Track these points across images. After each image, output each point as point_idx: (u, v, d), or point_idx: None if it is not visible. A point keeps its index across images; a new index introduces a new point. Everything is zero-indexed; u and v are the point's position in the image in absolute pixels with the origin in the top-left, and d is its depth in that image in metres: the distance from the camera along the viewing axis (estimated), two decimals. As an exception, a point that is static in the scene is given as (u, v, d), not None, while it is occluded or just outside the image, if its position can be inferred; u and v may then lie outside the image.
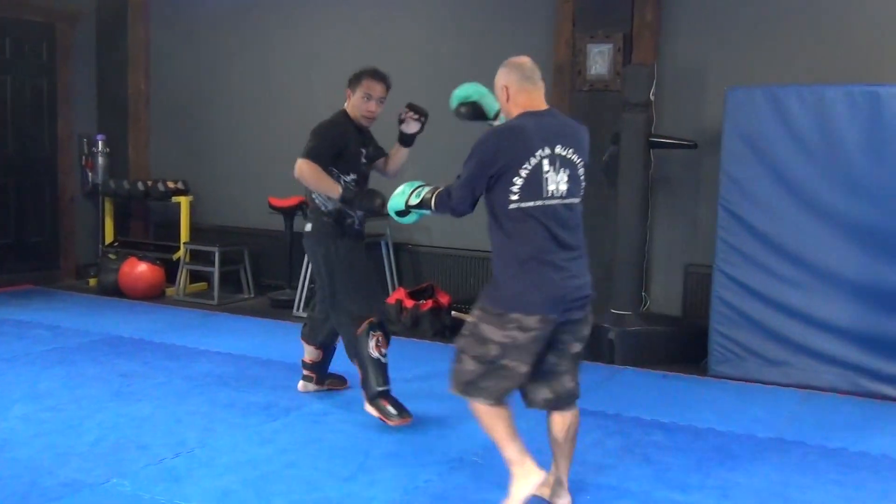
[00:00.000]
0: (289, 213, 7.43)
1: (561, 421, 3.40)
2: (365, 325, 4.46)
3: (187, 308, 7.44)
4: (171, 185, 8.16)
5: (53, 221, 8.57)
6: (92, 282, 8.18)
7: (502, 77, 3.41)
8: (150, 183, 8.17)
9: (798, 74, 5.87)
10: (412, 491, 3.67)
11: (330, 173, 4.41)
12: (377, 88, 4.58)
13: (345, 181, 4.48)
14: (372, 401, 4.43)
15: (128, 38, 8.53)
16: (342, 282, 4.54)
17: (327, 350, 4.99)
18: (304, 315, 7.01)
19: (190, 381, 5.23)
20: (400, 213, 3.74)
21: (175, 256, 7.93)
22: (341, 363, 4.88)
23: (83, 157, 8.52)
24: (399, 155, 4.80)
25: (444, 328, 6.53)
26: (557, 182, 3.26)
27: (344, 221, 4.57)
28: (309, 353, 4.99)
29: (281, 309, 7.34)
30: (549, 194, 3.24)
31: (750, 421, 4.71)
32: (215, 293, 7.61)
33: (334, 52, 7.47)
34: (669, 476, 3.91)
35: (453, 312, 6.66)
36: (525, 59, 3.44)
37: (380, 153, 4.81)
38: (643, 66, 6.07)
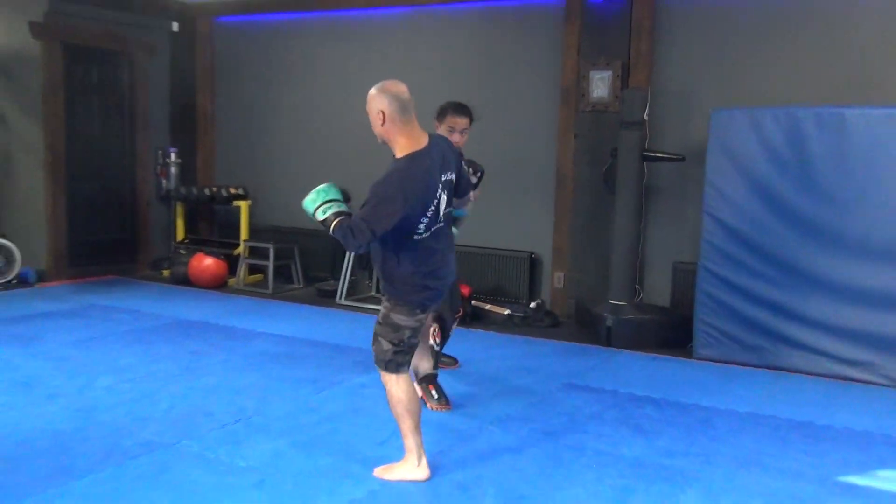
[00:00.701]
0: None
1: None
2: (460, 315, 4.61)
3: (246, 296, 7.49)
4: (232, 190, 8.21)
5: (133, 222, 8.61)
6: (165, 273, 8.22)
7: (379, 102, 3.21)
8: (214, 189, 8.23)
9: (773, 98, 5.83)
10: (437, 454, 3.68)
11: None
12: (459, 122, 4.40)
13: None
14: (420, 381, 4.39)
15: (196, 66, 8.57)
16: None
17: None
18: (346, 303, 7.06)
19: (248, 358, 5.27)
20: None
21: (236, 252, 7.98)
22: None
23: (158, 167, 8.57)
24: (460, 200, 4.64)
25: (466, 315, 6.51)
26: (443, 204, 3.32)
27: None
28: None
29: (326, 297, 7.36)
30: (441, 219, 3.33)
31: (729, 397, 4.69)
32: (270, 283, 7.64)
33: (368, 75, 7.45)
34: (659, 444, 3.91)
35: (473, 301, 6.66)
36: (403, 90, 3.25)
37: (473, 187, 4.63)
38: (638, 90, 6.05)
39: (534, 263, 6.97)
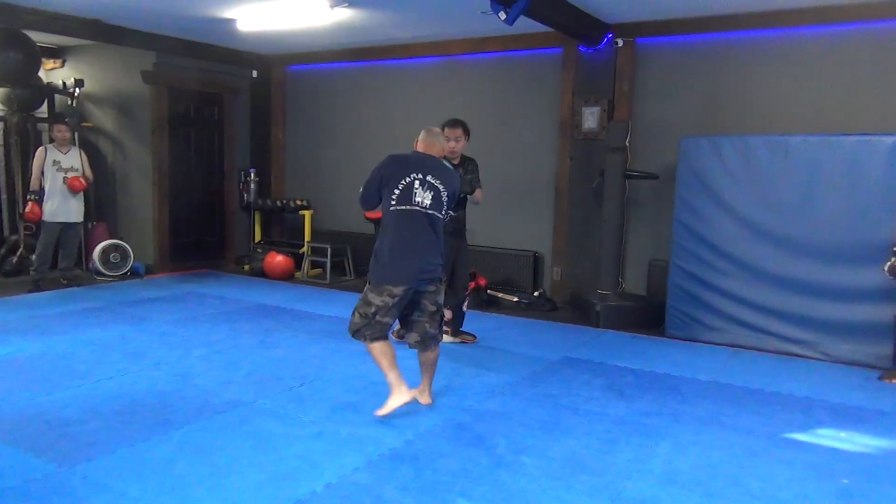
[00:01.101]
0: (377, 222, 7.42)
1: (424, 356, 3.65)
2: (469, 293, 5.02)
3: (308, 286, 7.52)
4: (298, 202, 8.24)
5: (221, 226, 8.66)
6: (246, 268, 8.25)
7: (419, 136, 3.66)
8: (284, 201, 8.26)
9: (731, 127, 5.76)
10: (460, 412, 3.67)
11: None
12: (452, 132, 4.68)
13: None
14: (457, 334, 4.97)
15: (271, 104, 8.61)
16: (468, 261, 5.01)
17: (457, 311, 4.97)
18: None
19: (310, 334, 5.29)
20: None
21: (301, 251, 8.01)
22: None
23: (241, 184, 8.62)
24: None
25: (483, 301, 6.51)
26: (423, 197, 3.44)
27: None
28: (447, 314, 4.90)
29: (372, 287, 7.37)
30: (416, 204, 3.42)
31: (694, 369, 4.63)
32: (327, 276, 7.66)
33: (405, 111, 7.48)
34: (637, 406, 3.87)
35: (489, 290, 6.65)
36: (435, 128, 3.72)
37: (473, 174, 4.78)
38: (621, 122, 5.99)
39: (537, 260, 6.94)
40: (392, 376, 3.49)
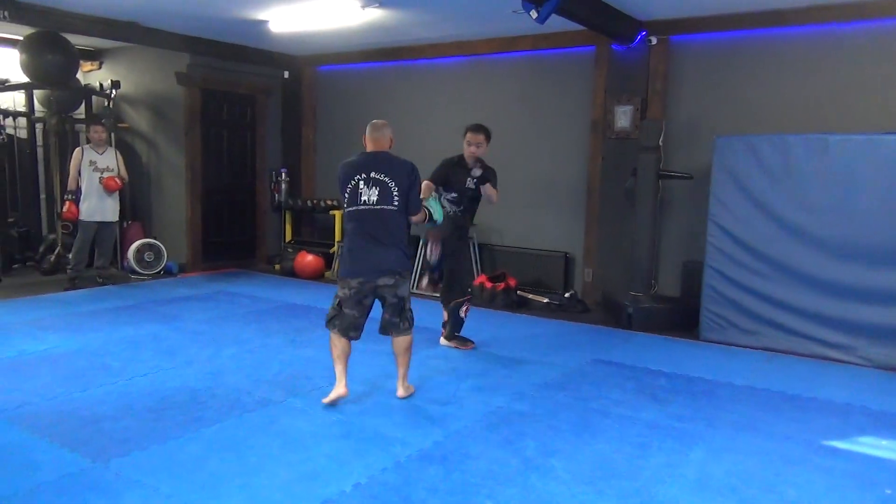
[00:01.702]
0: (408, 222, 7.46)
1: (394, 342, 3.82)
2: (466, 298, 4.81)
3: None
4: (329, 202, 8.29)
5: (252, 226, 8.73)
6: (276, 267, 8.30)
7: (366, 132, 3.78)
8: (315, 201, 8.32)
9: (767, 126, 5.66)
10: (489, 414, 3.66)
11: (437, 191, 4.63)
12: (474, 138, 4.63)
13: (445, 197, 4.68)
14: (451, 337, 4.90)
15: (302, 105, 8.69)
16: (464, 265, 4.88)
17: (453, 315, 4.89)
18: (416, 292, 7.06)
19: (340, 334, 5.31)
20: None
21: (331, 250, 8.06)
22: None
23: (272, 184, 8.71)
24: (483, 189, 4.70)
25: (512, 302, 6.48)
26: (369, 195, 3.60)
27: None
28: (445, 315, 4.93)
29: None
30: (362, 203, 3.61)
31: (729, 373, 4.55)
32: (357, 276, 7.68)
33: (433, 110, 7.48)
34: (670, 410, 3.81)
35: (519, 291, 6.62)
36: (378, 122, 3.81)
37: (484, 181, 4.64)
38: (654, 121, 5.93)
39: (568, 261, 6.90)
40: (337, 370, 3.73)
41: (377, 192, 3.61)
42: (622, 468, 3.07)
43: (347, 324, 3.70)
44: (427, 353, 4.80)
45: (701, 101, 6.09)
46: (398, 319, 3.76)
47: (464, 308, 4.82)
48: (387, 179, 3.63)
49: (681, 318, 5.73)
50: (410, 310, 3.82)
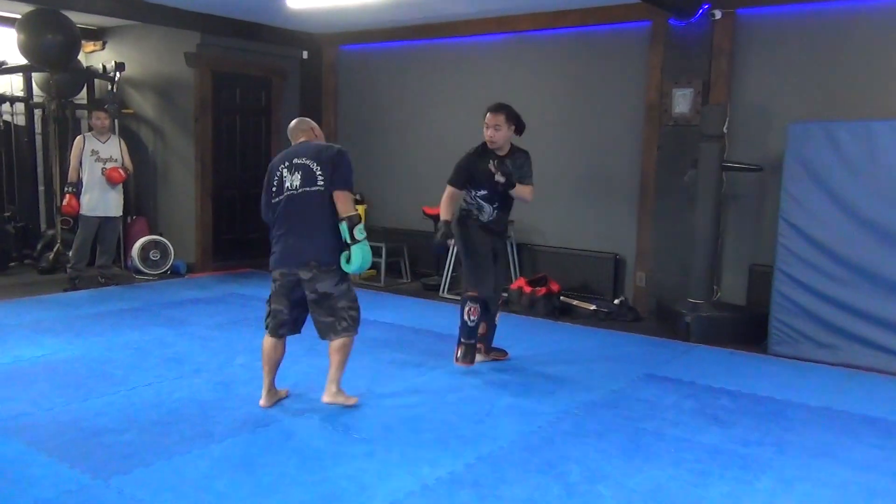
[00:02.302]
0: (437, 219, 7.46)
1: (329, 345, 3.89)
2: (466, 296, 4.65)
3: (361, 289, 7.56)
4: (353, 196, 8.31)
5: (265, 223, 8.81)
6: (293, 267, 8.39)
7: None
8: (336, 195, 8.37)
9: (848, 112, 5.55)
10: (528, 434, 3.64)
11: (468, 191, 4.58)
12: (490, 119, 4.50)
13: (477, 195, 4.61)
14: (489, 351, 4.87)
15: (322, 88, 8.77)
16: (464, 261, 4.77)
17: (490, 326, 4.84)
18: (448, 296, 7.08)
19: (362, 343, 5.30)
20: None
21: (353, 250, 8.10)
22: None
23: (289, 176, 8.77)
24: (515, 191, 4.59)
25: (555, 309, 6.46)
26: (293, 180, 3.76)
27: (468, 219, 4.68)
28: (483, 327, 4.78)
29: (430, 291, 7.40)
30: (287, 189, 3.76)
31: (803, 392, 4.46)
32: (382, 278, 7.73)
33: (469, 95, 7.48)
34: (734, 433, 3.76)
35: (562, 297, 6.59)
36: (299, 119, 4.12)
37: (521, 169, 4.57)
38: (718, 105, 5.87)
39: (618, 264, 6.85)
40: (265, 374, 3.92)
41: (300, 176, 3.76)
42: (679, 498, 3.03)
43: (274, 320, 3.86)
44: (458, 366, 4.80)
45: (771, 83, 5.99)
46: (332, 319, 3.79)
47: (467, 308, 4.60)
48: (308, 162, 3.77)
49: (746, 328, 5.65)
50: (351, 307, 3.83)
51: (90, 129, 7.12)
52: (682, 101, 6.31)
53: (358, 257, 3.74)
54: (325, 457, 3.32)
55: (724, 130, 5.76)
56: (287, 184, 3.78)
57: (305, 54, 8.72)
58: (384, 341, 5.38)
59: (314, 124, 4.10)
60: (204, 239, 8.12)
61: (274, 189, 3.83)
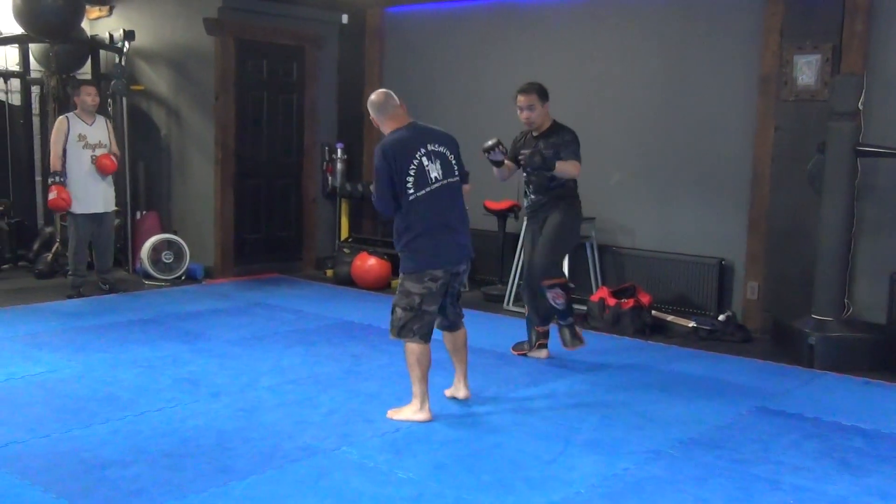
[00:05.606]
0: (501, 215, 7.49)
1: (451, 337, 4.44)
2: (543, 285, 5.18)
3: (410, 299, 7.63)
4: (398, 188, 8.38)
5: (298, 219, 8.92)
6: (328, 273, 8.45)
7: (374, 111, 4.28)
8: (380, 186, 8.42)
9: None
10: (609, 478, 3.61)
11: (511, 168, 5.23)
12: (521, 100, 5.10)
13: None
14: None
15: (364, 58, 8.83)
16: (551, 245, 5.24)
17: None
18: (514, 309, 7.06)
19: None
20: None
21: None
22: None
23: (324, 163, 8.86)
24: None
25: (645, 326, 6.38)
26: (436, 171, 4.13)
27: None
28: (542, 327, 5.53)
29: (493, 303, 7.39)
30: (433, 181, 4.11)
31: (958, 433, 4.32)
32: (434, 286, 7.74)
33: (540, 64, 7.45)
34: (869, 482, 3.66)
35: (653, 311, 6.52)
36: (382, 91, 4.33)
37: (556, 148, 5.04)
38: (852, 75, 5.74)
39: (723, 271, 6.75)
40: (420, 389, 4.19)
41: (439, 166, 4.17)
42: (798, 561, 2.97)
43: (427, 325, 4.19)
44: (525, 392, 4.80)
45: (920, 48, 5.84)
46: (459, 308, 4.45)
47: (550, 296, 5.16)
48: (443, 150, 4.21)
49: (886, 352, 5.53)
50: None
51: (75, 107, 7.08)
52: (806, 71, 6.20)
53: None
54: (365, 500, 3.34)
55: (860, 107, 5.64)
56: (433, 174, 4.14)
57: (345, 18, 8.81)
58: (437, 362, 5.29)
59: (399, 98, 4.37)
60: (224, 238, 8.25)
61: (411, 179, 4.09)
